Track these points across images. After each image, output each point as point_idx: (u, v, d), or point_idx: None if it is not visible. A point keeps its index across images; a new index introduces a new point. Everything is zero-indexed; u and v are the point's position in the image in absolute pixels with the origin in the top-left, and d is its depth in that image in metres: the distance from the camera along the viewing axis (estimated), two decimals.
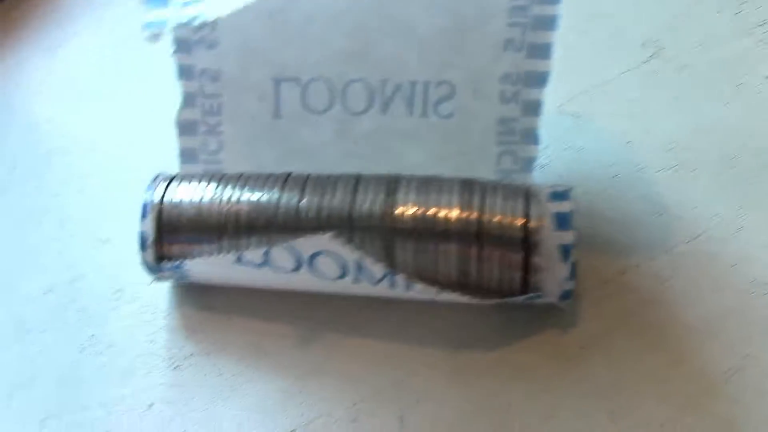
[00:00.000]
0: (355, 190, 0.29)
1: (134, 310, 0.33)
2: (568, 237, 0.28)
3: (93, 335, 0.32)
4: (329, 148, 0.32)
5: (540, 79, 0.31)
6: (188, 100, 0.32)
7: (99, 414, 0.30)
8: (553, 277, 0.28)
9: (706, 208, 0.33)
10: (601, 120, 0.37)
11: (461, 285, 0.29)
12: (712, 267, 0.32)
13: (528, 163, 0.32)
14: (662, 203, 0.34)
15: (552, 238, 0.28)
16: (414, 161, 0.32)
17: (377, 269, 0.27)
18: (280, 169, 0.31)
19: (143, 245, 0.30)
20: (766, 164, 0.34)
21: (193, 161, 0.32)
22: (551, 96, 0.37)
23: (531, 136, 0.31)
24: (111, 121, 0.39)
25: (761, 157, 0.35)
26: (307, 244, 0.27)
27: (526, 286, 0.29)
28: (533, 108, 0.31)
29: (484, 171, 0.31)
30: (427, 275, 0.29)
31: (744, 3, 0.40)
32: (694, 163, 0.35)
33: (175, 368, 0.31)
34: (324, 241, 0.27)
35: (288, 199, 0.29)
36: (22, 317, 0.33)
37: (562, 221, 0.28)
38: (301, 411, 0.30)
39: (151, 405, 0.30)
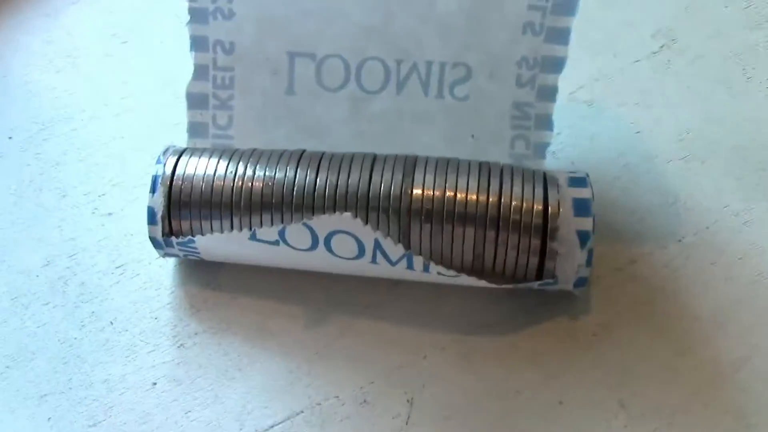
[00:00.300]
0: (371, 170, 0.29)
1: (137, 287, 0.32)
2: (587, 223, 0.27)
3: (93, 312, 0.31)
4: (342, 127, 0.32)
5: (557, 65, 0.31)
6: (200, 73, 0.31)
7: (101, 392, 0.29)
8: (570, 263, 0.28)
9: (715, 199, 0.33)
10: (612, 108, 0.37)
11: (477, 269, 0.29)
12: (721, 258, 0.32)
13: (541, 149, 0.31)
14: (673, 193, 0.34)
15: (571, 224, 0.27)
16: (427, 143, 0.31)
17: (395, 250, 0.27)
18: (292, 146, 0.31)
19: (152, 219, 0.30)
20: None
21: (202, 135, 0.32)
22: (563, 83, 0.37)
23: (545, 122, 0.31)
24: (114, 91, 0.38)
25: None
26: (324, 222, 0.27)
27: (541, 272, 0.28)
28: (549, 93, 0.31)
29: (497, 155, 0.31)
30: (443, 258, 0.28)
31: None
32: (704, 153, 0.35)
33: (179, 347, 0.30)
34: (342, 220, 0.26)
35: (303, 176, 0.29)
36: (20, 290, 0.32)
37: (582, 207, 0.28)
38: (308, 393, 0.29)
39: (154, 384, 0.30)
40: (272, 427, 0.28)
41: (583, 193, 0.28)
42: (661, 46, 0.39)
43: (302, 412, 0.29)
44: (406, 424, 0.28)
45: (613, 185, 0.34)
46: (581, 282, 0.28)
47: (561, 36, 0.31)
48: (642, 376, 0.29)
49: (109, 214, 0.34)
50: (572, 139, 0.36)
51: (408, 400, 0.29)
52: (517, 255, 0.28)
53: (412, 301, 0.31)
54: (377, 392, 0.29)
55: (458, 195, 0.28)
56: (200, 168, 0.29)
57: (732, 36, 0.39)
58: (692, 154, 0.35)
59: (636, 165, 0.35)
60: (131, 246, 0.33)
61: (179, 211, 0.29)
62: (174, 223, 0.30)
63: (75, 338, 0.31)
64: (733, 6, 0.40)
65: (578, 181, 0.29)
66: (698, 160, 0.35)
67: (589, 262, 0.28)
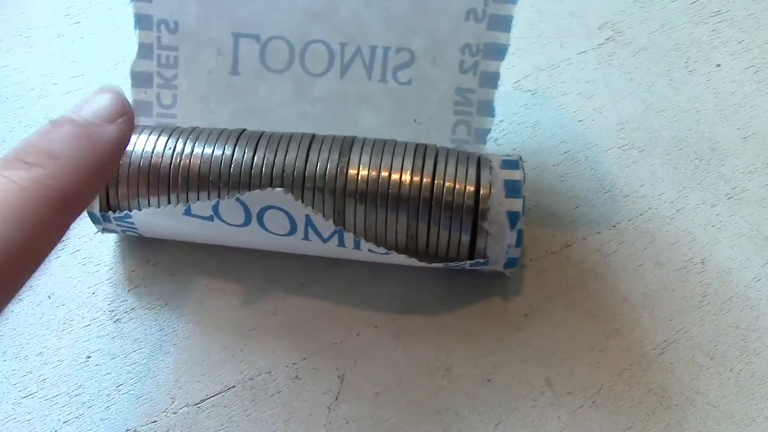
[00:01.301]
0: (308, 149, 0.29)
1: (77, 262, 0.32)
2: (517, 204, 0.28)
3: (31, 286, 0.32)
4: (285, 108, 0.32)
5: (499, 52, 0.31)
6: (143, 51, 0.31)
7: (35, 364, 0.29)
8: (500, 243, 0.28)
9: (651, 187, 0.34)
10: (555, 98, 0.37)
11: (410, 248, 0.29)
12: (653, 244, 0.32)
13: (482, 135, 0.32)
14: (610, 181, 0.34)
15: (501, 205, 0.28)
16: (370, 126, 0.32)
17: (326, 226, 0.27)
18: (236, 126, 0.31)
19: None
20: (711, 147, 0.35)
21: (147, 114, 0.32)
22: (508, 72, 0.38)
23: (487, 108, 0.32)
24: (64, 70, 0.38)
25: (707, 141, 0.36)
26: (257, 198, 0.27)
27: (473, 252, 0.29)
28: (491, 80, 0.31)
29: (439, 139, 0.32)
30: (377, 237, 0.29)
31: None
32: (643, 143, 0.36)
33: (115, 321, 0.31)
34: (274, 195, 0.27)
35: (240, 154, 0.29)
36: None
37: (512, 189, 0.28)
38: (241, 368, 0.29)
39: (88, 357, 0.30)
40: (203, 401, 0.29)
41: (515, 175, 0.29)
42: (607, 39, 0.39)
43: (234, 386, 0.29)
44: (336, 399, 0.29)
45: (552, 172, 0.35)
46: (512, 262, 0.29)
47: (503, 23, 0.31)
48: (570, 357, 0.30)
49: None
50: (514, 126, 0.36)
51: (339, 377, 0.29)
52: (449, 235, 0.29)
53: (346, 280, 0.31)
54: (309, 368, 0.29)
55: (392, 175, 0.28)
56: (139, 145, 0.30)
57: (677, 30, 0.40)
58: (631, 143, 0.36)
59: (576, 153, 0.35)
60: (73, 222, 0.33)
61: (116, 187, 0.29)
62: (112, 200, 0.30)
63: (11, 311, 0.31)
64: (680, 1, 0.41)
65: (511, 164, 0.29)
66: (637, 149, 0.35)
67: (518, 243, 0.28)
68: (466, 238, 0.29)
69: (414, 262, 0.29)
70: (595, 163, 0.35)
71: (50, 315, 0.31)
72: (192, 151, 0.29)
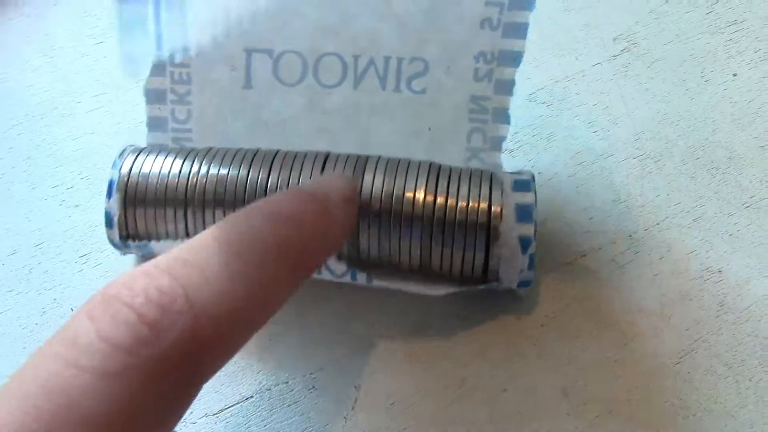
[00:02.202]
0: (322, 169, 0.30)
1: (98, 275, 0.33)
2: (528, 229, 0.28)
3: (55, 299, 0.32)
4: (300, 121, 0.32)
5: (514, 59, 0.31)
6: (157, 69, 0.32)
7: None
8: (513, 267, 0.28)
9: (668, 197, 0.34)
10: (570, 110, 0.37)
11: (423, 267, 0.29)
12: (669, 253, 0.32)
13: (497, 142, 0.32)
14: (626, 191, 0.34)
15: (513, 230, 0.28)
16: (384, 136, 0.32)
17: (338, 267, 0.28)
18: (250, 139, 0.32)
19: (109, 223, 0.30)
20: (728, 156, 0.35)
21: (162, 130, 0.33)
22: (523, 84, 0.38)
23: (502, 115, 0.32)
24: (88, 89, 0.39)
25: (723, 150, 0.35)
26: None
27: (486, 272, 0.29)
28: (506, 87, 0.31)
29: (454, 148, 0.32)
30: (391, 257, 0.29)
31: (715, 3, 0.41)
32: (659, 153, 0.36)
33: None
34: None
35: (255, 174, 0.29)
36: None
37: (523, 213, 0.28)
38: (259, 378, 0.30)
39: None
40: (221, 411, 0.29)
41: (526, 198, 0.29)
42: (622, 50, 0.39)
43: (251, 396, 0.29)
44: (353, 409, 0.29)
45: (567, 183, 0.35)
46: (525, 284, 0.29)
47: (518, 30, 0.31)
48: (586, 367, 0.30)
49: (76, 206, 0.35)
50: (529, 138, 0.36)
51: (355, 387, 0.29)
52: (463, 254, 0.28)
53: (360, 296, 0.32)
54: (326, 379, 0.30)
55: (406, 194, 0.29)
56: (155, 167, 0.30)
57: (692, 40, 0.40)
58: (647, 153, 0.36)
59: (591, 163, 0.35)
60: (95, 237, 0.34)
61: (134, 214, 0.30)
62: (131, 226, 0.30)
63: (36, 324, 0.32)
64: (695, 11, 0.41)
65: (522, 185, 0.29)
66: (652, 159, 0.35)
67: (531, 266, 0.28)
68: (480, 257, 0.28)
69: (427, 290, 0.29)
70: (611, 173, 0.35)
71: None
72: (208, 172, 0.30)
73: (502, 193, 0.29)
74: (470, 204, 0.28)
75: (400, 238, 0.29)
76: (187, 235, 0.30)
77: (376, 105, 0.32)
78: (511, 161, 0.35)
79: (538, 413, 0.28)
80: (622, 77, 0.38)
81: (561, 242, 0.33)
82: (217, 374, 0.30)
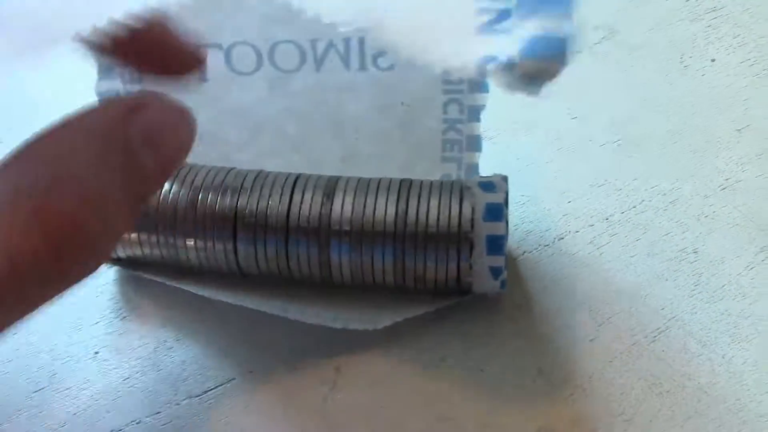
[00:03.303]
0: (292, 191, 0.30)
1: None
2: (500, 228, 0.28)
3: None
4: (265, 105, 0.32)
5: None
6: (105, 72, 0.31)
7: (46, 360, 0.31)
8: (486, 272, 0.29)
9: (645, 181, 0.35)
10: (550, 97, 0.38)
11: (397, 281, 0.30)
12: (645, 235, 0.33)
13: (475, 112, 0.31)
14: (603, 175, 0.35)
15: (483, 230, 0.28)
16: (354, 113, 0.31)
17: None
18: (217, 129, 0.31)
19: None
20: (705, 140, 0.36)
21: None
22: None
23: (479, 84, 0.31)
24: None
25: (702, 134, 0.36)
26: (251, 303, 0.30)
27: (459, 281, 0.29)
28: None
29: (430, 120, 0.31)
30: (365, 277, 0.30)
31: None
32: (637, 138, 0.36)
33: (122, 319, 0.32)
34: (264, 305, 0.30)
35: (225, 200, 0.30)
36: None
37: (493, 212, 0.28)
38: (240, 362, 0.30)
39: (96, 353, 0.31)
40: (205, 392, 0.30)
41: (496, 198, 0.28)
42: (602, 38, 0.40)
43: (234, 379, 0.30)
44: (333, 389, 0.30)
45: (545, 168, 0.35)
46: (502, 285, 0.29)
47: None
48: (562, 346, 0.30)
49: None
50: (509, 125, 0.37)
51: (335, 368, 0.30)
52: (435, 267, 0.29)
53: None
54: (306, 361, 0.30)
55: (376, 213, 0.29)
56: None
57: (672, 27, 0.40)
58: (625, 138, 0.36)
59: (569, 149, 0.36)
60: None
61: None
62: None
63: None
64: None
65: (488, 186, 0.29)
66: (631, 144, 0.36)
67: (504, 268, 0.29)
68: (453, 266, 0.29)
69: (403, 313, 0.29)
70: (589, 158, 0.36)
71: (61, 314, 0.32)
72: (179, 193, 0.30)
73: (472, 197, 0.29)
74: (441, 216, 0.29)
75: (372, 256, 0.29)
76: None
77: (342, 84, 0.31)
78: (491, 147, 0.36)
79: (513, 392, 0.29)
80: (602, 65, 0.39)
81: (539, 226, 0.33)
82: (201, 357, 0.31)
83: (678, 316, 0.30)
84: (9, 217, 0.16)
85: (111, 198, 0.18)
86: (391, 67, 0.31)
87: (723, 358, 0.29)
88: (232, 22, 0.31)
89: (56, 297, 0.18)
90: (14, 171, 0.17)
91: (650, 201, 0.34)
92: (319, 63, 0.31)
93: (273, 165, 0.31)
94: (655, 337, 0.30)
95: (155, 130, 0.20)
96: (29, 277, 0.16)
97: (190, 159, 0.33)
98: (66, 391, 0.30)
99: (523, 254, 0.32)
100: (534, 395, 0.29)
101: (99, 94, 0.32)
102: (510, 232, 0.33)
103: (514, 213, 0.34)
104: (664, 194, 0.34)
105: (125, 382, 0.30)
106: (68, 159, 0.17)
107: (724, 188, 0.34)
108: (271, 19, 0.31)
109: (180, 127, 0.21)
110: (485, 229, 0.28)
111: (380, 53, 0.31)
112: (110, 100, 0.21)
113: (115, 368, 0.31)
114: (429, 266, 0.29)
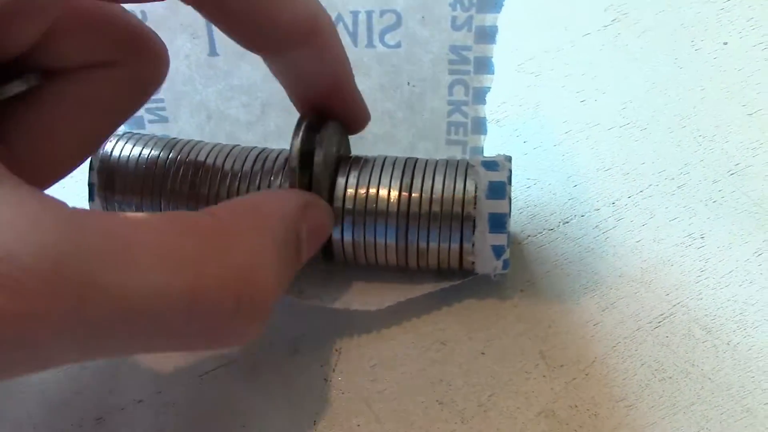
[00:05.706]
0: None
1: None
2: (502, 206, 0.28)
3: None
4: (273, 82, 0.32)
5: (495, 3, 0.29)
6: None
7: None
8: (488, 251, 0.28)
9: (653, 165, 0.34)
10: (558, 80, 0.37)
11: (400, 261, 0.29)
12: (652, 220, 0.32)
13: (481, 94, 0.31)
14: (611, 159, 0.34)
15: (485, 208, 0.28)
16: (363, 92, 0.31)
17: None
18: (226, 104, 0.31)
19: (91, 195, 0.31)
20: (715, 124, 0.35)
21: None
22: (511, 55, 0.38)
23: (485, 65, 0.30)
24: None
25: (711, 118, 0.35)
26: None
27: (461, 260, 0.29)
28: (488, 34, 0.30)
29: (436, 101, 0.31)
30: (367, 258, 0.29)
31: None
32: (646, 121, 0.36)
33: None
34: None
35: (230, 166, 0.30)
36: None
37: (495, 190, 0.28)
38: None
39: None
40: (207, 373, 0.30)
41: (499, 176, 0.28)
42: (613, 20, 0.39)
43: (236, 360, 0.30)
44: (333, 371, 0.29)
45: (552, 151, 0.35)
46: (504, 266, 0.29)
47: None
48: (565, 331, 0.30)
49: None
50: (516, 107, 0.36)
51: (336, 350, 0.30)
52: (438, 246, 0.29)
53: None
54: (307, 342, 0.30)
55: (380, 192, 0.29)
56: (134, 151, 0.31)
57: (683, 9, 0.39)
58: (633, 121, 0.36)
59: (577, 132, 0.35)
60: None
61: (113, 189, 0.31)
62: (108, 199, 0.31)
63: None
64: None
65: (491, 165, 0.29)
66: (639, 128, 0.35)
67: (507, 245, 0.28)
68: (456, 246, 0.29)
69: (407, 292, 0.29)
70: (596, 141, 0.35)
71: None
72: (183, 158, 0.30)
73: (476, 176, 0.28)
74: (445, 195, 0.28)
75: (375, 236, 0.29)
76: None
77: (350, 62, 0.32)
78: (497, 130, 0.36)
79: (514, 375, 0.29)
80: (611, 47, 0.38)
81: (544, 209, 0.33)
82: None
83: (683, 302, 0.30)
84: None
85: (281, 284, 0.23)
86: (398, 45, 0.31)
87: (728, 344, 0.29)
88: None
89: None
90: (224, 245, 0.20)
91: (657, 185, 0.33)
92: None
93: (279, 145, 0.31)
94: (659, 322, 0.30)
95: (319, 228, 0.25)
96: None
97: (199, 137, 0.33)
98: (68, 371, 0.30)
99: (527, 238, 0.32)
100: (536, 379, 0.29)
101: None
102: (514, 215, 0.33)
103: (519, 196, 0.33)
104: (672, 179, 0.34)
105: (126, 361, 0.30)
106: (261, 254, 0.21)
107: (733, 173, 0.33)
108: None
109: (329, 228, 0.26)
110: (488, 207, 0.28)
111: (388, 29, 0.30)
112: (287, 193, 0.25)
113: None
114: (432, 243, 0.29)
